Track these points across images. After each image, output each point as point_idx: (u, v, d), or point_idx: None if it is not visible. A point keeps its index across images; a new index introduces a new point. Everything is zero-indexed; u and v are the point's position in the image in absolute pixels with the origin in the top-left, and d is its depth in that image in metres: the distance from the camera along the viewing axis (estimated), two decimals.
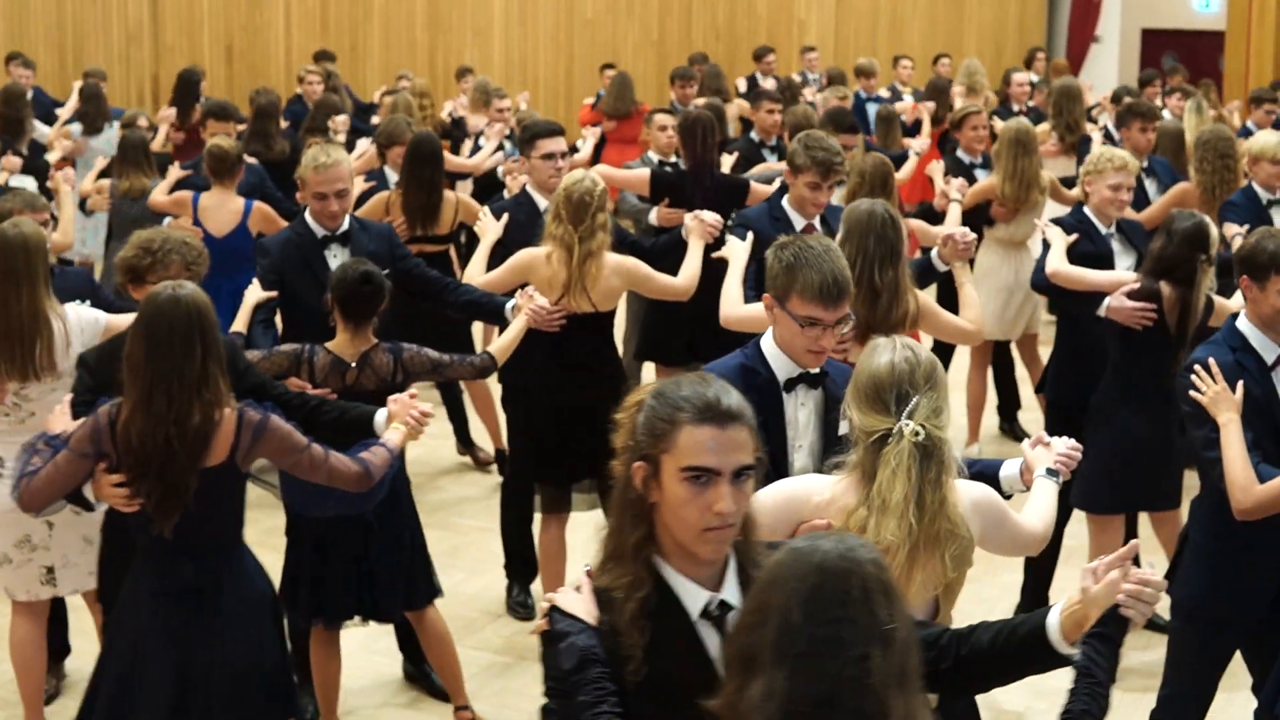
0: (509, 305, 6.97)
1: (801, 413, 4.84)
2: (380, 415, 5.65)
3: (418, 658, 7.04)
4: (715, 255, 7.03)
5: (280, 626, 5.30)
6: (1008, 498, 4.59)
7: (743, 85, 17.91)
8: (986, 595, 7.70)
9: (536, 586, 7.81)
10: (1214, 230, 6.81)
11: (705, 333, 8.01)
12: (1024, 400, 10.86)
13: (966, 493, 4.22)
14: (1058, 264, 7.26)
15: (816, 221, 7.37)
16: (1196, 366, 5.41)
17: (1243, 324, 5.58)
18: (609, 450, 3.40)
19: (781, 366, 4.84)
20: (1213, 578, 5.56)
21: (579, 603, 3.29)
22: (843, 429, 4.59)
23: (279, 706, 5.19)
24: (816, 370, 4.82)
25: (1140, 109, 10.44)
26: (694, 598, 3.28)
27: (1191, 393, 5.37)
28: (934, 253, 7.10)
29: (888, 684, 2.77)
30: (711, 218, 7.53)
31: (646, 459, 3.26)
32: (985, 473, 4.68)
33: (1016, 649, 3.51)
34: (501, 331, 7.02)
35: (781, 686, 2.76)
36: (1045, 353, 8.90)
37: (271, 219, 9.41)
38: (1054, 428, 6.94)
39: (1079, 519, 7.37)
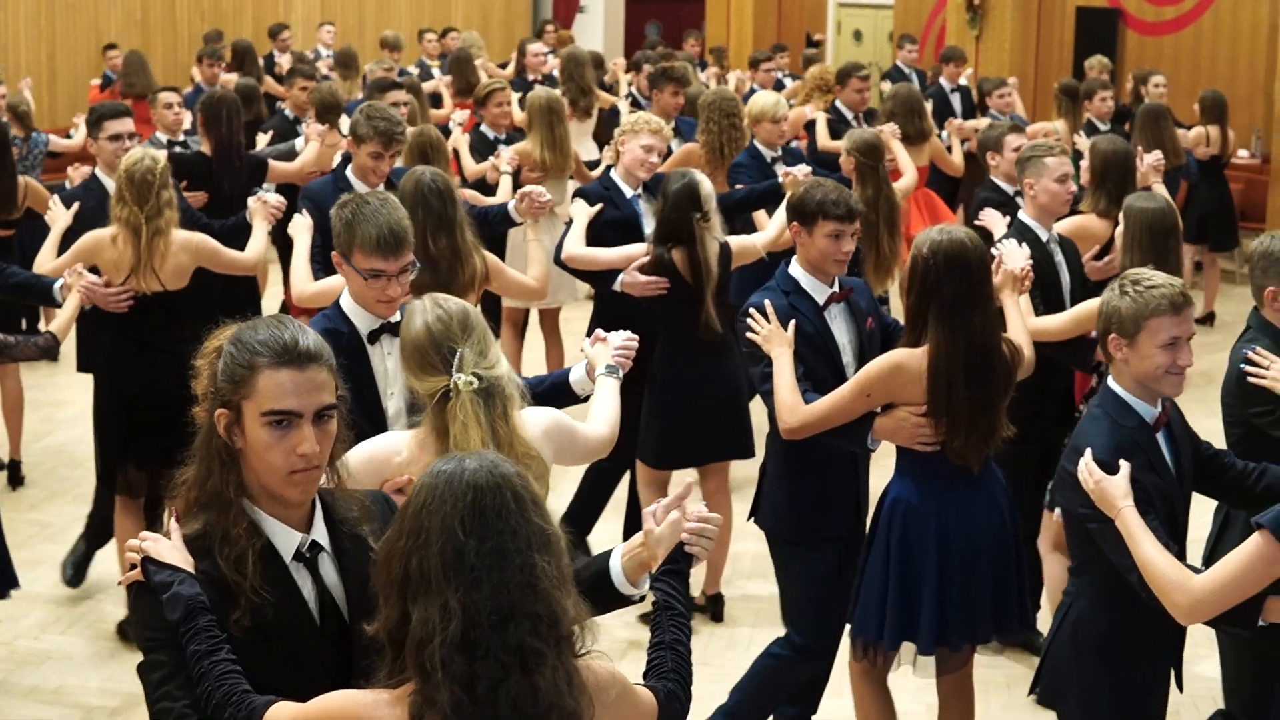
0: (57, 285, 6.97)
1: (389, 360, 5.05)
2: None
3: None
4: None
5: None
6: (585, 400, 4.99)
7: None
8: None
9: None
10: (706, 185, 7.15)
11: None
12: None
13: (536, 422, 4.44)
14: (571, 247, 7.47)
15: (382, 187, 7.46)
16: (752, 310, 5.78)
17: (794, 269, 5.97)
18: (183, 432, 3.40)
19: (362, 321, 5.11)
20: (794, 501, 5.97)
21: (173, 551, 3.25)
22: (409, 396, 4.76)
23: None
24: (398, 319, 4.96)
25: (674, 74, 10.91)
26: (286, 540, 3.32)
27: (748, 334, 5.75)
28: (511, 205, 7.43)
29: (554, 586, 2.94)
30: (274, 199, 7.69)
31: (228, 406, 3.27)
32: (557, 384, 5.09)
33: (584, 593, 3.62)
34: None
35: (459, 604, 2.86)
36: None
37: None
38: None
39: None
